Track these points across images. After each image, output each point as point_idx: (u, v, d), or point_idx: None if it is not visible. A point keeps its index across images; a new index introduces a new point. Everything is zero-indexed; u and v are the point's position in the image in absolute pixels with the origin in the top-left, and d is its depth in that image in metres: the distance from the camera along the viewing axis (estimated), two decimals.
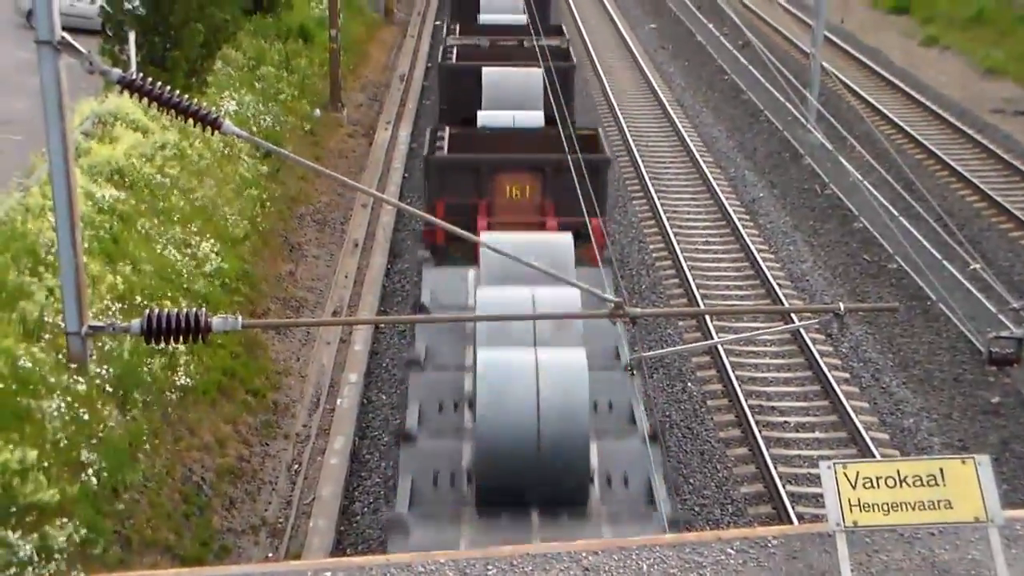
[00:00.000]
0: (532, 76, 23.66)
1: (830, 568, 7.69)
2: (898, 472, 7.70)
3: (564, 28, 36.49)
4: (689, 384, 19.87)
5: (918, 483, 7.63)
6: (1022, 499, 16.60)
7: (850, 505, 7.57)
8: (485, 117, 22.41)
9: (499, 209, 20.16)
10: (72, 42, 6.23)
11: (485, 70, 23.74)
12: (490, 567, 7.74)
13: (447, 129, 21.74)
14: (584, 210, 16.32)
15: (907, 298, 22.90)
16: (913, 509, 7.57)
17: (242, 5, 32.43)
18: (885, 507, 7.57)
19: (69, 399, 14.36)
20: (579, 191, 16.75)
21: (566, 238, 14.72)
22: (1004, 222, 26.68)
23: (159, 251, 19.48)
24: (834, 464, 7.77)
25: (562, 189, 19.10)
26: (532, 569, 7.74)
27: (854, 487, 7.62)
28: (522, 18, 32.92)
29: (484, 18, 34.02)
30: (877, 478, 7.66)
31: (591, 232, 16.75)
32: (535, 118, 22.37)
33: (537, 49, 24.76)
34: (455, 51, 27.84)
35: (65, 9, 30.49)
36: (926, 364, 20.79)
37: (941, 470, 7.70)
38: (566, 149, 19.14)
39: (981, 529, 7.70)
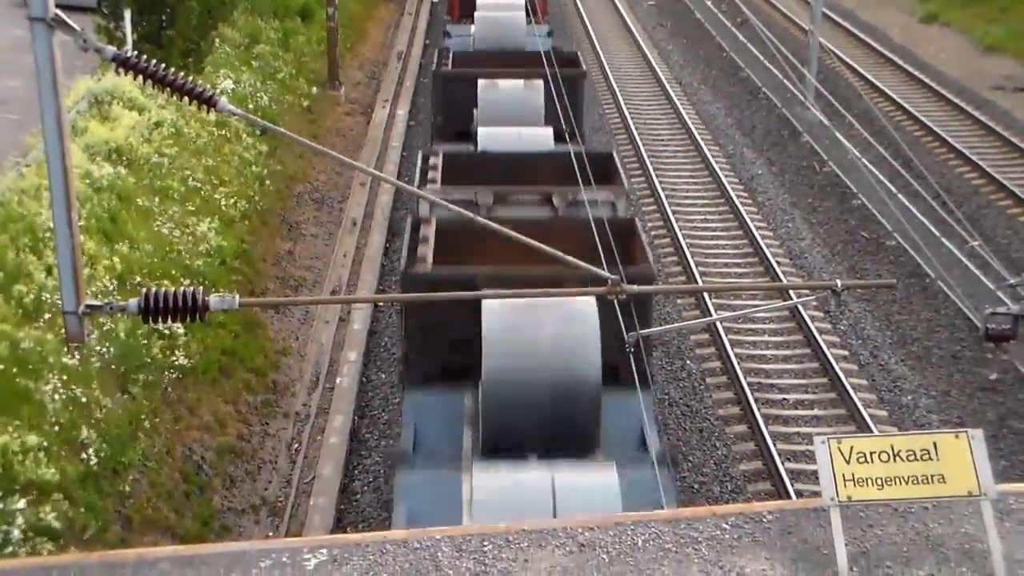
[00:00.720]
0: (533, 88, 20.65)
1: (825, 543, 7.72)
2: (892, 447, 7.72)
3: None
4: (688, 362, 19.89)
5: (912, 457, 7.65)
6: (1020, 475, 16.65)
7: (844, 480, 7.60)
8: (486, 138, 18.69)
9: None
10: (66, 19, 6.19)
11: (481, 82, 20.69)
12: (486, 543, 7.76)
13: (440, 154, 17.54)
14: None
15: (905, 275, 22.91)
16: (907, 483, 7.60)
17: None
18: (879, 482, 7.60)
19: (68, 379, 14.37)
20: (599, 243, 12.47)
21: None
22: (1003, 199, 26.65)
23: (157, 230, 19.45)
24: (828, 439, 7.79)
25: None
26: (528, 545, 7.77)
27: (848, 462, 7.64)
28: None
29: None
30: (871, 453, 7.68)
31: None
32: (543, 138, 18.83)
33: (543, 55, 21.30)
34: (451, 56, 24.94)
35: None
36: (924, 341, 20.81)
37: (935, 444, 7.72)
38: (578, 177, 15.06)
39: (974, 503, 7.72)
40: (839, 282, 7.39)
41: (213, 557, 7.69)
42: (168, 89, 6.37)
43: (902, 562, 7.61)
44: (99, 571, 7.62)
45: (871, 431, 17.27)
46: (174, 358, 16.83)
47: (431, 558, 7.61)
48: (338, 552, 7.67)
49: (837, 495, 7.59)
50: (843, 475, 7.62)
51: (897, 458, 7.65)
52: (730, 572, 7.53)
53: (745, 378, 19.04)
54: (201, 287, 6.75)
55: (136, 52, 6.42)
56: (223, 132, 25.03)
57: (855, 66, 37.12)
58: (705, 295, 21.45)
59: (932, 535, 7.90)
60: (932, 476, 7.61)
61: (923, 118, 32.01)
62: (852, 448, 7.70)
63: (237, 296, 6.68)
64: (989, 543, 7.48)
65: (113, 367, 15.41)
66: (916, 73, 36.62)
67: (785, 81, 32.65)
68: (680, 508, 9.50)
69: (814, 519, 8.05)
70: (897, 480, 7.60)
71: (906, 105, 33.21)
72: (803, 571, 7.54)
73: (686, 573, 7.53)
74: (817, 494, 16.08)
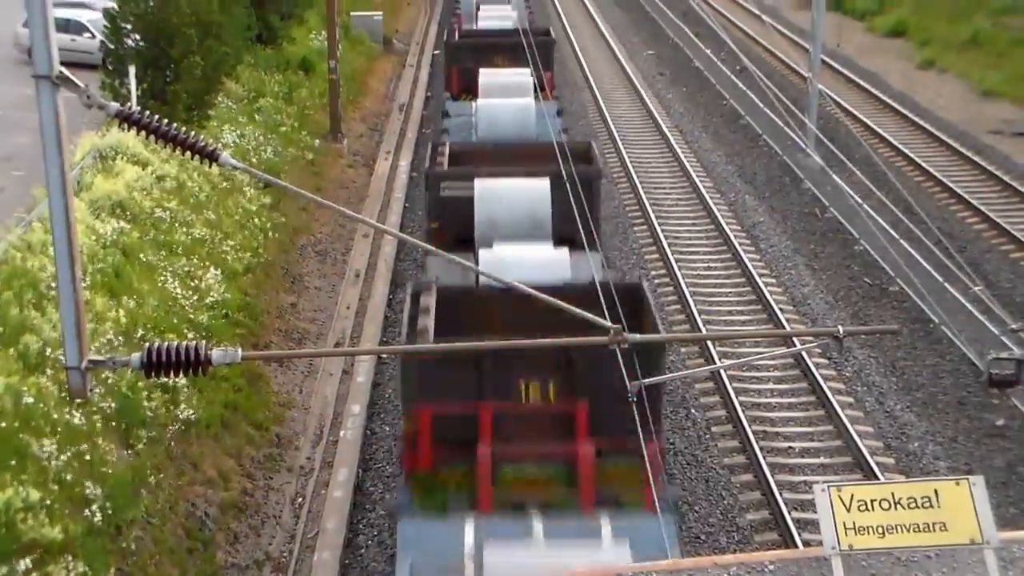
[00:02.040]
0: (538, 192, 18.04)
1: None
2: (892, 494, 7.66)
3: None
4: (693, 411, 19.81)
5: (913, 505, 7.59)
6: None
7: (845, 528, 7.54)
8: (488, 263, 15.82)
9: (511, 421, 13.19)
10: (70, 76, 6.25)
11: (478, 184, 17.98)
12: None
13: (434, 288, 14.20)
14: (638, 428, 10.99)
15: (909, 321, 22.87)
16: (908, 531, 7.53)
17: (246, 36, 32.65)
18: (880, 530, 7.54)
19: (70, 435, 14.32)
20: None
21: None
22: (1004, 243, 26.69)
23: (161, 284, 19.48)
24: (828, 487, 7.74)
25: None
26: None
27: (849, 510, 7.58)
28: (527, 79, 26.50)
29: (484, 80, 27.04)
30: (872, 501, 7.62)
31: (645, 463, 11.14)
32: (559, 264, 16.08)
33: (554, 148, 18.19)
34: (447, 150, 20.76)
35: (66, 44, 30.69)
36: (930, 387, 20.74)
37: (936, 492, 7.67)
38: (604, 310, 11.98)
39: (977, 551, 7.65)
40: (841, 328, 7.37)
41: None
42: (171, 144, 6.42)
43: None
44: None
45: (878, 479, 17.16)
46: (177, 412, 16.78)
47: None
48: None
49: (838, 544, 7.52)
50: (844, 523, 7.56)
51: (898, 506, 7.59)
52: None
53: (750, 426, 18.96)
54: (204, 341, 6.74)
55: (140, 107, 6.47)
56: (226, 185, 25.16)
57: (855, 112, 37.34)
58: (709, 343, 21.41)
59: None
60: (934, 524, 7.55)
61: (923, 163, 32.13)
62: (853, 496, 7.65)
63: (240, 349, 6.68)
64: None
65: (116, 422, 15.36)
66: (915, 118, 36.82)
67: (785, 128, 32.81)
68: (681, 559, 9.40)
69: (816, 568, 7.98)
70: (899, 528, 7.54)
71: (906, 150, 33.35)
72: None
73: None
74: (819, 546, 16.00)
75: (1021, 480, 17.85)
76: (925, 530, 7.53)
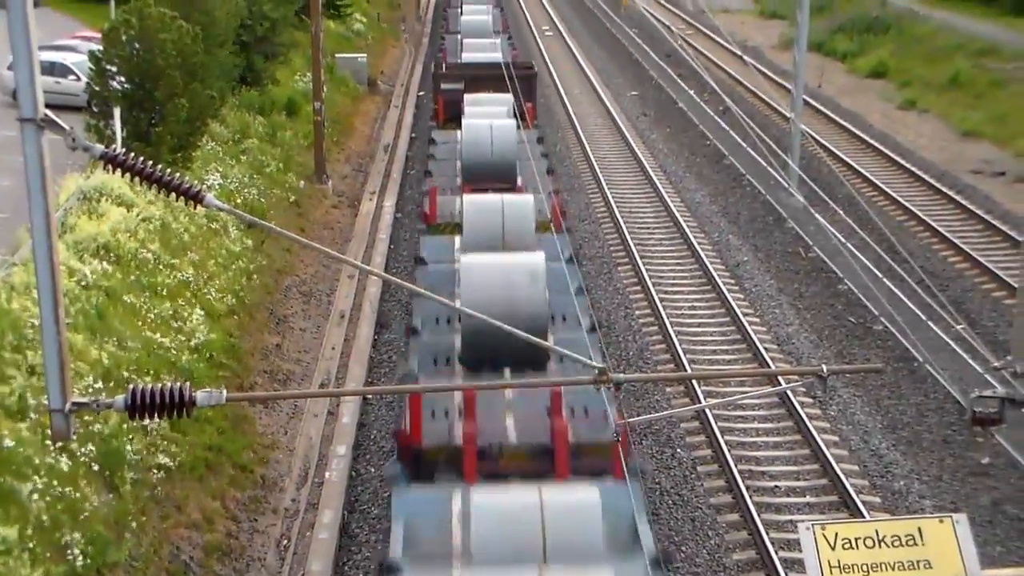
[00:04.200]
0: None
1: None
2: (877, 532, 7.66)
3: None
4: (678, 450, 19.78)
5: (897, 543, 7.59)
6: (1016, 561, 16.50)
7: (830, 566, 7.53)
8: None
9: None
10: (55, 119, 6.26)
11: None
12: None
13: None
14: None
15: (893, 359, 22.94)
16: (893, 569, 7.53)
17: (231, 77, 32.77)
18: (865, 568, 7.53)
19: (52, 478, 14.21)
20: None
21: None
22: (987, 282, 26.84)
23: (144, 326, 19.42)
24: (813, 525, 7.73)
25: None
26: None
27: (833, 548, 7.58)
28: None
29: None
30: (856, 538, 7.62)
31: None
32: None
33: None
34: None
35: (50, 87, 30.76)
36: (915, 426, 20.77)
37: (919, 529, 7.68)
38: None
39: None
40: (825, 367, 7.40)
41: None
42: (156, 185, 6.43)
43: None
44: None
45: (864, 518, 17.14)
46: (160, 455, 16.68)
47: None
48: None
49: None
50: (828, 561, 7.55)
51: (882, 544, 7.59)
52: None
53: (736, 465, 18.93)
54: (188, 383, 6.72)
55: (125, 149, 6.48)
56: (211, 225, 25.15)
57: (837, 152, 37.62)
58: (694, 382, 21.42)
59: None
60: (918, 562, 7.55)
61: (905, 202, 32.36)
62: (837, 534, 7.65)
63: (224, 391, 6.67)
64: None
65: (98, 466, 15.25)
66: (897, 158, 37.12)
67: (768, 168, 33.03)
68: None
69: None
70: (883, 566, 7.53)
71: (888, 190, 33.60)
72: None
73: None
74: None
75: (1006, 518, 17.85)
76: (910, 568, 7.53)
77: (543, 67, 54.56)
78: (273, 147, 33.24)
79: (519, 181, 23.21)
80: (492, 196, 20.12)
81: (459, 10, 50.50)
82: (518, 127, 25.07)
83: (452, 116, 29.89)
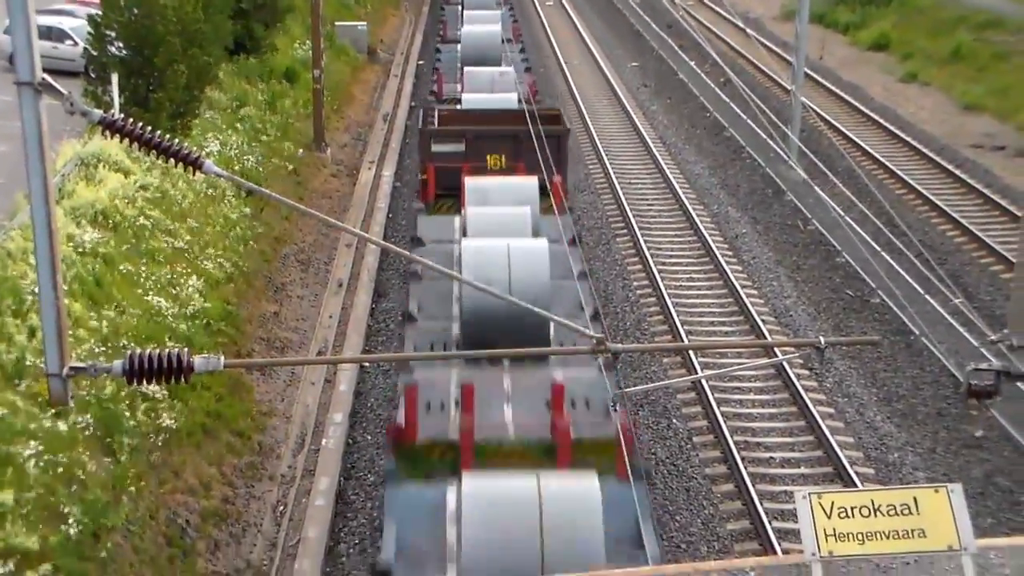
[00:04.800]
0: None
1: None
2: (872, 501, 7.73)
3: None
4: (674, 420, 19.86)
5: (892, 512, 7.66)
6: (1007, 533, 16.60)
7: (826, 535, 7.60)
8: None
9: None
10: (53, 83, 6.25)
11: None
12: None
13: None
14: None
15: (890, 332, 22.99)
16: (888, 538, 7.60)
17: (226, 45, 32.61)
18: (860, 536, 7.60)
19: (50, 443, 14.26)
20: None
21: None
22: (984, 256, 26.86)
23: (142, 293, 19.43)
24: (810, 494, 7.79)
25: None
26: None
27: (829, 517, 7.65)
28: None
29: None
30: (852, 508, 7.69)
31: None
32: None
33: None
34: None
35: (48, 51, 30.58)
36: (910, 398, 20.84)
37: (915, 499, 7.74)
38: None
39: (955, 557, 7.71)
40: (822, 339, 7.43)
41: None
42: (154, 151, 6.43)
43: None
44: None
45: (860, 487, 17.24)
46: (159, 421, 16.73)
47: None
48: None
49: (819, 550, 7.58)
50: (824, 530, 7.62)
51: (878, 513, 7.65)
52: None
53: (732, 436, 19.01)
54: (186, 349, 6.75)
55: (123, 115, 6.47)
56: (209, 193, 25.11)
57: (837, 124, 37.53)
58: (691, 353, 21.47)
59: None
60: (913, 531, 7.62)
61: (905, 176, 32.32)
62: (833, 503, 7.71)
63: (222, 357, 6.69)
64: None
65: (97, 431, 15.31)
66: (897, 132, 37.04)
67: (768, 140, 32.96)
68: (664, 565, 9.44)
69: (796, 575, 8.01)
70: (878, 535, 7.60)
71: (888, 163, 33.55)
72: None
73: None
74: (800, 553, 16.02)
75: (998, 490, 17.95)
76: (904, 537, 7.60)
77: (543, 39, 54.35)
78: (272, 115, 33.13)
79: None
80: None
81: (459, 8, 44.19)
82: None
83: (447, 189, 22.49)
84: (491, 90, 29.30)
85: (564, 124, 25.33)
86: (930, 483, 17.78)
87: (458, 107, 28.12)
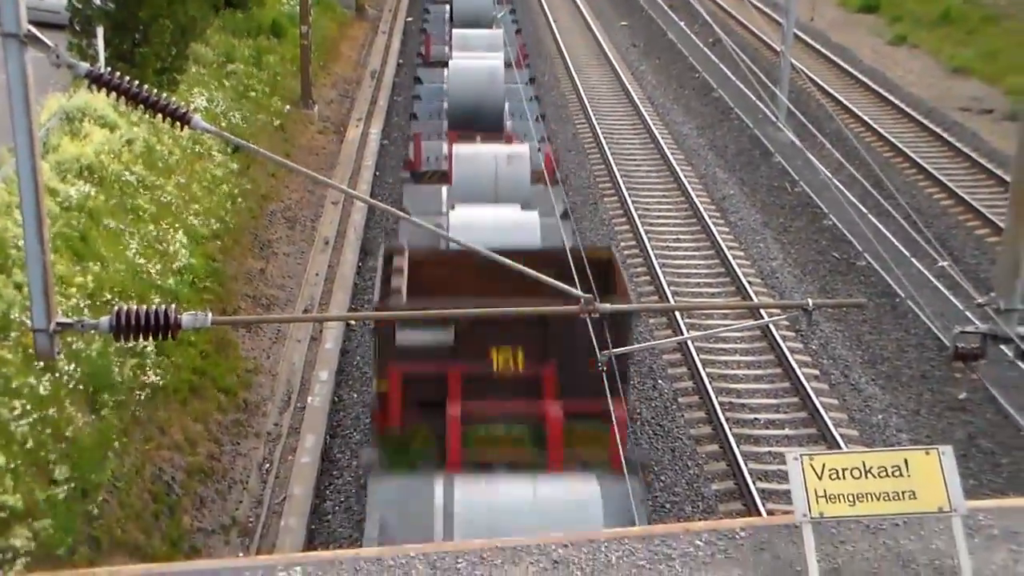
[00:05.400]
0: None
1: (797, 559, 7.74)
2: (863, 463, 7.77)
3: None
4: (660, 381, 19.92)
5: (883, 474, 7.71)
6: (988, 494, 16.74)
7: (816, 496, 7.64)
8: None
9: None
10: (39, 35, 6.17)
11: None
12: (460, 560, 7.74)
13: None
14: None
15: (876, 295, 23.06)
16: (878, 500, 7.66)
17: (212, 1, 32.27)
18: (851, 498, 7.65)
19: (36, 399, 14.22)
20: None
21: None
22: (971, 220, 26.91)
23: (128, 249, 19.33)
24: (801, 455, 7.83)
25: None
26: (502, 562, 7.74)
27: (820, 478, 7.69)
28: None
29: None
30: (843, 469, 7.73)
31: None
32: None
33: None
34: None
35: (32, 3, 30.19)
36: (894, 361, 20.94)
37: (905, 461, 7.79)
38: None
39: (944, 519, 7.77)
40: (811, 301, 7.44)
41: (187, 575, 7.62)
42: (142, 106, 6.36)
43: None
44: None
45: (850, 449, 17.35)
46: (145, 377, 16.70)
47: (405, 575, 7.58)
48: (312, 569, 7.63)
49: (810, 511, 7.62)
50: (815, 491, 7.66)
51: (869, 475, 7.70)
52: None
53: (717, 397, 19.08)
54: (173, 306, 6.71)
55: (109, 70, 6.39)
56: (196, 149, 24.95)
57: (826, 87, 37.43)
58: (677, 314, 21.50)
59: (903, 551, 7.94)
60: (903, 492, 7.67)
61: (893, 139, 32.30)
62: (824, 465, 7.75)
63: (210, 314, 6.66)
64: (959, 559, 7.52)
65: (82, 387, 15.27)
66: (886, 94, 36.96)
67: (757, 101, 32.86)
68: (653, 525, 9.49)
69: (786, 535, 8.07)
70: (869, 496, 7.65)
71: (876, 126, 33.50)
72: None
73: None
74: (789, 514, 16.14)
75: (981, 452, 18.09)
76: (895, 498, 7.65)
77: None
78: (259, 71, 32.85)
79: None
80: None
81: (445, 26, 34.93)
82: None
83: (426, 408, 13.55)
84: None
85: (624, 290, 14.34)
86: (919, 446, 17.93)
87: (441, 248, 15.74)
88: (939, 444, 16.77)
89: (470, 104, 22.42)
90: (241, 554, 15.47)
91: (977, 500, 8.78)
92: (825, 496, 7.62)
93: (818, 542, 7.65)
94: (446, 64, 28.21)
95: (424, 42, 34.48)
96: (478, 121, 22.23)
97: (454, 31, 30.98)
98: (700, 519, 16.27)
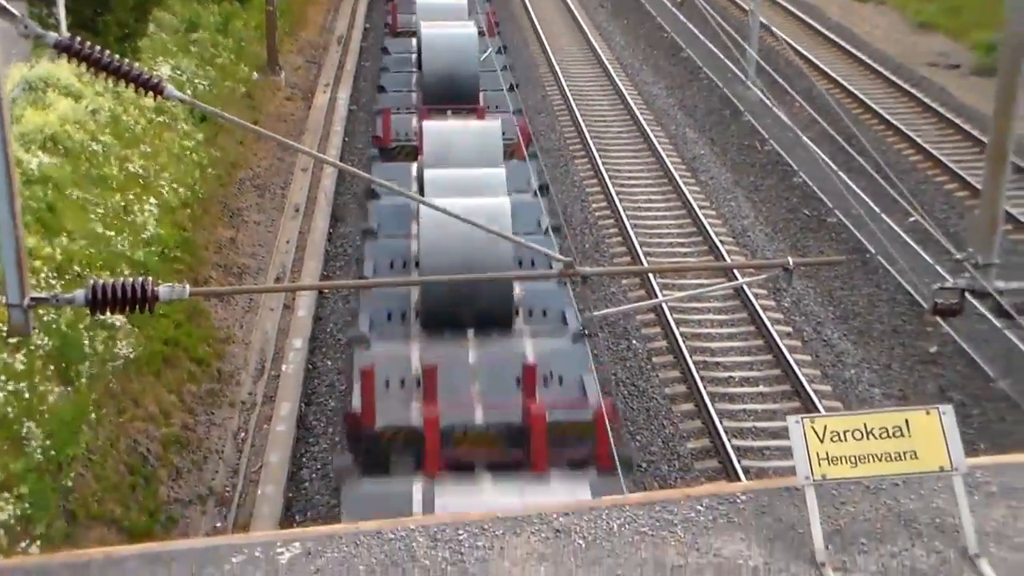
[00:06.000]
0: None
1: (799, 521, 7.77)
2: (864, 425, 7.80)
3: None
4: (634, 342, 19.97)
5: (884, 435, 7.73)
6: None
7: (818, 459, 7.66)
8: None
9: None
10: (5, 4, 6.04)
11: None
12: (461, 532, 7.72)
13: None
14: None
15: (847, 251, 23.16)
16: (880, 461, 7.69)
17: None
18: (852, 459, 7.68)
19: (8, 373, 14.10)
20: None
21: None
22: (939, 175, 27.03)
23: (96, 220, 19.13)
24: (802, 418, 7.84)
25: None
26: (503, 532, 7.73)
27: (822, 440, 7.71)
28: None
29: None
30: (844, 431, 7.75)
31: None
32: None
33: None
34: None
35: None
36: (866, 316, 21.08)
37: (906, 421, 7.82)
38: None
39: (945, 478, 7.84)
40: (791, 260, 7.43)
41: (183, 554, 7.56)
42: (112, 75, 6.25)
43: (876, 538, 7.69)
44: (63, 572, 7.47)
45: (816, 407, 17.48)
46: (117, 349, 16.58)
47: (406, 548, 7.56)
48: (312, 545, 7.59)
49: (812, 474, 7.64)
50: (817, 453, 7.67)
51: (870, 436, 7.73)
52: (706, 554, 7.55)
53: (691, 356, 19.16)
54: (150, 278, 6.62)
55: (79, 39, 6.27)
56: (162, 119, 24.67)
57: (794, 44, 37.41)
58: (651, 275, 21.53)
59: (904, 511, 8.00)
60: (904, 453, 7.71)
61: (861, 95, 32.35)
62: (826, 427, 7.77)
63: (187, 286, 6.59)
64: (960, 517, 7.58)
65: (55, 359, 15.15)
66: (853, 50, 36.99)
67: (726, 60, 32.80)
68: (653, 491, 9.51)
69: (787, 498, 8.10)
70: (870, 457, 7.68)
71: (844, 82, 33.54)
72: (779, 550, 7.58)
73: (662, 556, 7.53)
74: (765, 470, 16.26)
75: (952, 404, 18.21)
76: (896, 459, 7.69)
77: None
78: (224, 38, 32.47)
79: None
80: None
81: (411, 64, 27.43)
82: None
83: None
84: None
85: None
86: (893, 402, 18.09)
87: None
88: (912, 398, 16.87)
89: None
90: (219, 524, 15.45)
91: (975, 458, 8.85)
92: (827, 458, 7.63)
93: (819, 504, 7.69)
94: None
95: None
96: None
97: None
98: (676, 478, 16.37)
